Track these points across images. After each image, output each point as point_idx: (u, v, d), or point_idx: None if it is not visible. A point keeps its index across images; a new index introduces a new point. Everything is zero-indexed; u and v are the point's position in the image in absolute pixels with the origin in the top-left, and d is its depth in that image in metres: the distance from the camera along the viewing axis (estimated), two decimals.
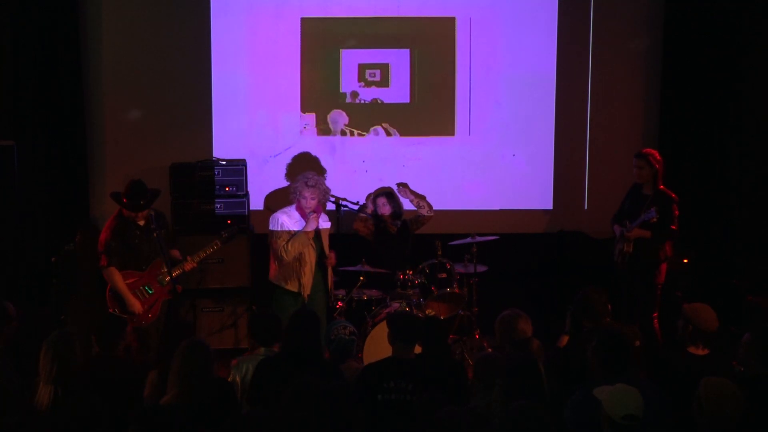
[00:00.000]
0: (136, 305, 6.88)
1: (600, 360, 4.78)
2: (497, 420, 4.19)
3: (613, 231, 7.58)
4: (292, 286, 7.30)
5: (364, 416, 4.54)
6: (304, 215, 7.28)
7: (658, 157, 7.46)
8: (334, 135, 8.82)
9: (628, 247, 7.36)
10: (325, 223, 7.50)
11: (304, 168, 8.68)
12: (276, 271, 7.36)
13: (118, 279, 6.88)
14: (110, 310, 6.87)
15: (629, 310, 7.42)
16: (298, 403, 4.33)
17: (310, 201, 7.25)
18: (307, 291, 7.29)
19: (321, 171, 8.72)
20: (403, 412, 4.91)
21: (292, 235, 7.23)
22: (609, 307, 5.87)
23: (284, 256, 7.20)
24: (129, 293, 6.87)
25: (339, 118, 8.80)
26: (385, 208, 8.24)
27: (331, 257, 7.48)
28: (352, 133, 8.83)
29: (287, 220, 7.30)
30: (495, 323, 5.58)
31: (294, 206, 7.37)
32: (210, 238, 7.37)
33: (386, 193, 8.32)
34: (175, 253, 7.25)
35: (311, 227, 7.25)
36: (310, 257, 7.31)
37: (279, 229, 7.27)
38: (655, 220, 7.18)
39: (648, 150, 7.61)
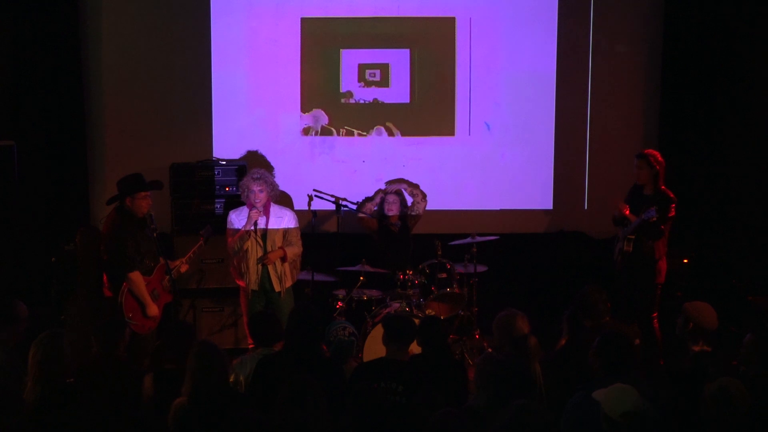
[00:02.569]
0: (155, 309, 6.82)
1: (603, 361, 4.77)
2: (497, 421, 4.18)
3: (615, 221, 7.54)
4: (241, 282, 7.36)
5: (355, 415, 4.52)
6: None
7: (660, 158, 7.45)
8: (316, 135, 8.80)
9: (627, 247, 7.36)
10: (278, 221, 7.37)
11: (304, 168, 8.72)
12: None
13: (141, 283, 6.76)
14: (127, 317, 6.71)
15: (628, 310, 7.42)
16: (295, 401, 4.32)
17: (258, 194, 7.24)
18: (252, 286, 7.27)
19: (321, 171, 8.72)
20: (391, 413, 4.87)
21: (235, 231, 7.31)
22: (608, 306, 5.87)
23: (230, 252, 7.34)
24: (150, 298, 6.79)
25: (320, 117, 8.79)
26: (394, 207, 8.26)
27: (270, 256, 7.28)
28: (351, 133, 8.83)
29: (235, 218, 7.36)
30: (492, 324, 5.57)
31: (245, 206, 7.39)
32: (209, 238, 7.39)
33: (397, 191, 8.33)
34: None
35: (249, 225, 7.23)
36: (253, 254, 7.28)
37: (228, 227, 7.37)
38: (654, 219, 7.18)
39: (648, 151, 7.61)
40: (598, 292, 5.77)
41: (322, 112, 8.79)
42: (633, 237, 7.34)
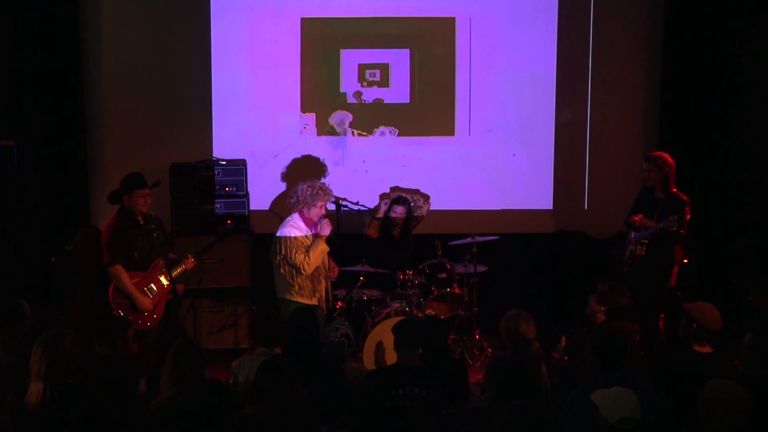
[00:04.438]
0: (145, 302, 6.85)
1: (598, 357, 4.79)
2: (495, 421, 4.19)
3: (630, 224, 7.49)
4: (312, 300, 6.99)
5: (371, 423, 4.51)
6: (310, 223, 7.01)
7: (670, 161, 7.37)
8: (342, 135, 8.80)
9: (640, 250, 7.33)
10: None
11: (305, 168, 8.72)
12: (289, 287, 6.98)
13: (124, 277, 6.84)
14: (114, 312, 6.78)
15: (635, 311, 7.35)
16: (278, 406, 4.29)
17: (325, 209, 7.02)
18: (324, 302, 7.09)
19: (321, 171, 8.72)
20: (417, 418, 4.86)
21: (308, 246, 6.96)
22: None
23: (306, 269, 6.90)
24: (136, 291, 6.84)
25: (344, 117, 8.79)
26: (401, 216, 8.24)
27: (335, 268, 7.31)
28: (353, 134, 8.83)
29: (297, 232, 6.96)
30: (500, 323, 5.56)
31: (296, 216, 7.04)
32: (209, 238, 7.39)
33: (405, 201, 8.30)
34: (172, 255, 7.24)
35: (327, 231, 6.99)
36: (323, 266, 7.11)
37: (293, 240, 6.93)
38: (674, 229, 7.13)
39: (657, 153, 7.56)
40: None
41: (347, 113, 8.78)
42: (646, 242, 7.31)
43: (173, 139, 8.70)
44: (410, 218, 8.37)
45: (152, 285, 6.95)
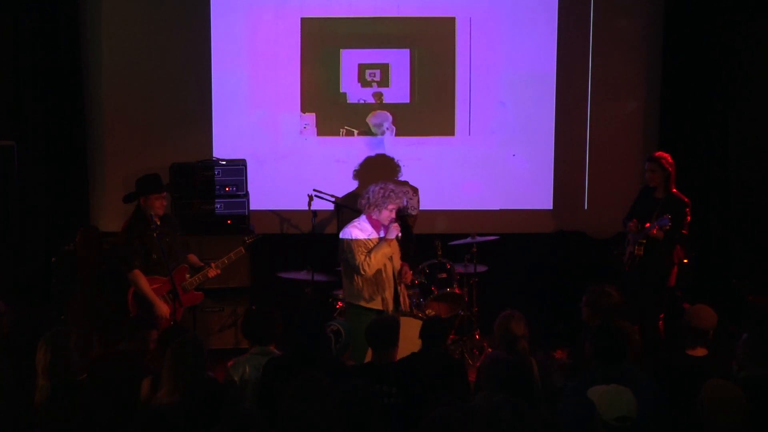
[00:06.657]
0: (163, 308, 6.72)
1: (596, 349, 4.82)
2: (481, 415, 4.21)
3: (627, 229, 7.50)
4: (374, 304, 6.68)
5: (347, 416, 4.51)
6: (378, 226, 6.77)
7: (671, 160, 7.40)
8: (381, 136, 8.79)
9: (639, 250, 7.33)
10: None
11: (305, 168, 8.72)
12: (353, 289, 6.72)
13: (143, 282, 6.71)
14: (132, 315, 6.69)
15: (636, 311, 7.36)
16: (303, 397, 4.30)
17: (394, 214, 6.78)
18: (390, 306, 6.77)
19: (320, 171, 8.71)
20: (386, 415, 4.85)
21: (372, 247, 6.66)
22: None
23: (366, 270, 6.60)
24: (156, 296, 6.72)
25: (385, 118, 8.78)
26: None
27: (408, 273, 7.02)
28: (354, 133, 8.83)
29: (359, 233, 6.70)
30: (495, 322, 5.59)
31: (363, 218, 6.76)
32: (209, 238, 7.38)
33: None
34: (193, 258, 7.21)
35: (392, 235, 6.72)
36: (388, 270, 6.79)
37: (354, 244, 6.64)
38: (669, 227, 7.15)
39: (660, 153, 7.56)
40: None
41: (387, 113, 8.77)
42: (644, 242, 7.31)
43: (173, 139, 8.70)
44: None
45: (171, 291, 6.78)
